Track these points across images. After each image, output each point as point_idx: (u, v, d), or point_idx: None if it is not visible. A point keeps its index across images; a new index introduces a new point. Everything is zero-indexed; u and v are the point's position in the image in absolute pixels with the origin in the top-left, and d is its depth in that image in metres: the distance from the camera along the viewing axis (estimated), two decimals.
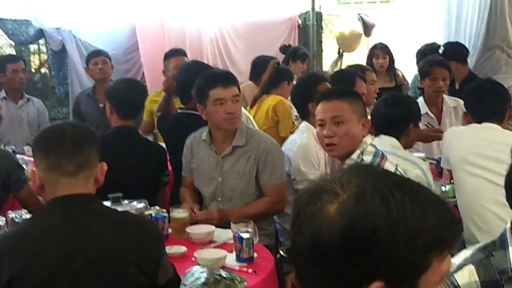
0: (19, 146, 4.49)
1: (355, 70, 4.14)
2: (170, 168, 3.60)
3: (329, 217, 0.96)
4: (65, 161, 1.82)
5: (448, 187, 3.39)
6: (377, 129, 3.13)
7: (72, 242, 1.79)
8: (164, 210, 2.83)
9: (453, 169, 3.17)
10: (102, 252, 1.80)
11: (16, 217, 2.66)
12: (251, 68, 5.27)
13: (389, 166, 2.59)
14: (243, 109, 3.51)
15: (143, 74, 6.25)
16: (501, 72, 6.21)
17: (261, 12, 7.21)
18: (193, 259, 2.44)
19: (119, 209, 2.46)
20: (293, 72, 4.97)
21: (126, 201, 2.72)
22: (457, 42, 5.72)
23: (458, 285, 1.53)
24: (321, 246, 0.96)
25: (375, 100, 4.03)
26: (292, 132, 3.88)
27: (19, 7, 5.78)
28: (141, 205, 2.74)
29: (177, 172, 3.45)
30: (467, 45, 5.76)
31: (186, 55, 4.76)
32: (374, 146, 2.66)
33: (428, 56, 5.07)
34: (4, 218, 2.64)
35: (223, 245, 2.65)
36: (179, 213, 2.86)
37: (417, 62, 5.62)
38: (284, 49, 5.92)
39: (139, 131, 3.79)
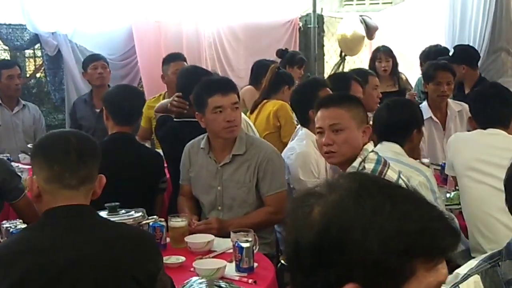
0: (14, 154, 4.40)
1: (351, 74, 4.08)
2: (168, 175, 3.55)
3: (311, 219, 0.97)
4: (68, 174, 1.81)
5: (453, 193, 3.36)
6: (380, 136, 3.07)
7: (69, 254, 1.76)
8: (162, 219, 2.80)
9: (457, 176, 3.12)
10: (98, 264, 1.78)
11: (10, 227, 2.63)
12: (251, 72, 5.21)
13: (392, 173, 2.57)
14: (243, 115, 3.45)
15: (140, 79, 6.18)
16: (507, 75, 6.16)
17: (261, 15, 7.12)
18: (191, 269, 2.42)
19: (117, 219, 2.46)
20: None
21: (123, 210, 2.66)
22: (468, 45, 5.65)
23: None
24: (301, 247, 0.98)
25: (378, 105, 3.96)
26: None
27: (13, 11, 5.69)
28: (138, 214, 2.68)
29: (174, 180, 3.41)
30: None
31: (185, 60, 4.71)
32: (376, 153, 2.62)
33: (438, 58, 4.93)
34: None
35: (222, 255, 2.62)
36: (178, 222, 2.83)
37: (421, 65, 5.57)
38: (281, 53, 5.65)
39: (137, 137, 3.74)
